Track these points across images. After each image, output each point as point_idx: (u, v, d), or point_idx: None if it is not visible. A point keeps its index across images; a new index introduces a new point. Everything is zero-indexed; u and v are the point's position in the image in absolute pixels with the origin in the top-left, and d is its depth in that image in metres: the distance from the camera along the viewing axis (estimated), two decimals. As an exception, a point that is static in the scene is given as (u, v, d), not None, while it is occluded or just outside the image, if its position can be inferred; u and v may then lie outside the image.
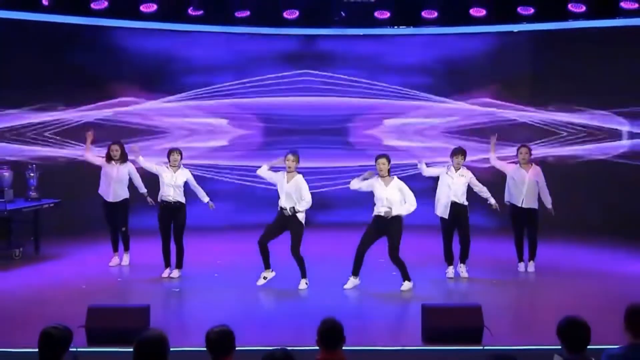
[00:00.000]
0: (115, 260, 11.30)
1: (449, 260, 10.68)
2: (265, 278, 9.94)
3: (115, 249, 11.35)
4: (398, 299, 9.47)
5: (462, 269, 10.62)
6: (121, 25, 13.89)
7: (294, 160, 9.94)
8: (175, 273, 10.52)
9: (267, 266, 9.96)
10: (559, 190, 11.73)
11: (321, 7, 13.96)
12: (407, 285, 9.83)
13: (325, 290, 9.84)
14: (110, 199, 11.16)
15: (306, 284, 9.92)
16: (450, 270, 10.61)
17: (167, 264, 10.61)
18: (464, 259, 10.65)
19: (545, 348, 5.59)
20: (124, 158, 11.16)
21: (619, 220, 13.34)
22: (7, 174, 11.97)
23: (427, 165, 10.96)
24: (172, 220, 10.49)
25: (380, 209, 9.73)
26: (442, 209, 10.53)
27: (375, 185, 9.81)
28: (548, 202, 10.92)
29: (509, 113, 14.58)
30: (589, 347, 4.61)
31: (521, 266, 10.98)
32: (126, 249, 11.37)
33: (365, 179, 9.99)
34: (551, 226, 11.80)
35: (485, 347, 7.27)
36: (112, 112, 14.23)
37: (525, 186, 10.81)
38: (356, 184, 10.03)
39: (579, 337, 4.61)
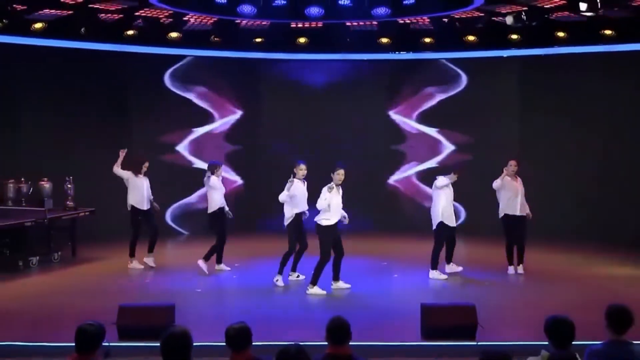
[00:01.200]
0: (137, 263, 11.31)
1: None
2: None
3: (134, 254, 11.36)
4: (399, 299, 9.44)
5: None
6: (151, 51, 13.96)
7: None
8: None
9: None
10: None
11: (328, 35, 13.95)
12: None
13: (333, 291, 9.87)
14: (145, 207, 11.22)
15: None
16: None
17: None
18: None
19: (533, 344, 5.53)
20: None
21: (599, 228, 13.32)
22: (47, 185, 12.04)
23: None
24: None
25: (338, 216, 9.70)
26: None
27: (333, 194, 9.60)
28: (527, 208, 10.94)
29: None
30: (573, 343, 4.58)
31: (511, 269, 10.93)
32: (151, 250, 11.38)
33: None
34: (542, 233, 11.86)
35: (479, 343, 7.24)
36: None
37: (520, 195, 10.82)
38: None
39: (564, 334, 4.58)
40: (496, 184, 10.85)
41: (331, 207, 9.56)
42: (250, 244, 12.78)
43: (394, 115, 15.11)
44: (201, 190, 11.14)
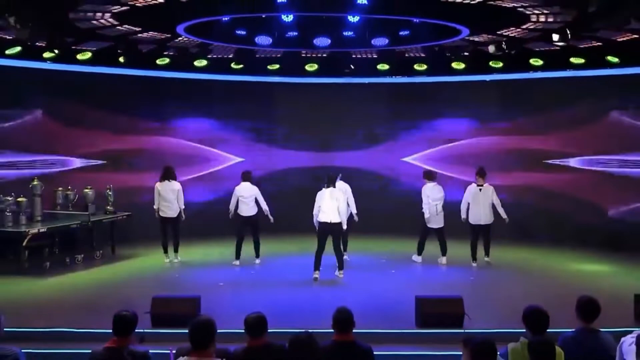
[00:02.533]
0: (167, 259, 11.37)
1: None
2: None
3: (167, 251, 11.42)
4: (396, 292, 9.41)
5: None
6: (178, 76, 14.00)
7: None
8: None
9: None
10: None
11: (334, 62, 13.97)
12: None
13: (337, 285, 9.83)
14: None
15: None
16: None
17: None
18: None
19: (513, 331, 5.51)
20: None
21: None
22: (90, 192, 12.09)
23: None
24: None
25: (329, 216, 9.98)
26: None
27: (325, 196, 10.02)
28: (503, 213, 11.22)
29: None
30: (548, 330, 4.56)
31: (475, 264, 11.18)
32: (176, 250, 11.41)
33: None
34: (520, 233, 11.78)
35: (466, 330, 7.22)
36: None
37: (483, 206, 11.10)
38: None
39: (540, 322, 4.57)
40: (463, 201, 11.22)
41: (321, 209, 9.98)
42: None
43: (390, 131, 15.07)
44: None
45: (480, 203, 11.05)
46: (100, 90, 13.08)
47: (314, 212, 10.10)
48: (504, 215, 11.09)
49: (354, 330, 4.74)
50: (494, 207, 11.10)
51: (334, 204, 9.96)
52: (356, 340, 4.72)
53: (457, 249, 11.43)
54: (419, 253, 11.44)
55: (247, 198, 11.02)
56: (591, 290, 5.48)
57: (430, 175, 11.44)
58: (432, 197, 11.13)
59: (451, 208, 11.41)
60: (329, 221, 9.93)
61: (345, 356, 4.64)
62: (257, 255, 11.30)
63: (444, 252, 11.31)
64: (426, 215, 11.16)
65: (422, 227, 11.33)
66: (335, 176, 10.50)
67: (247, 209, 11.04)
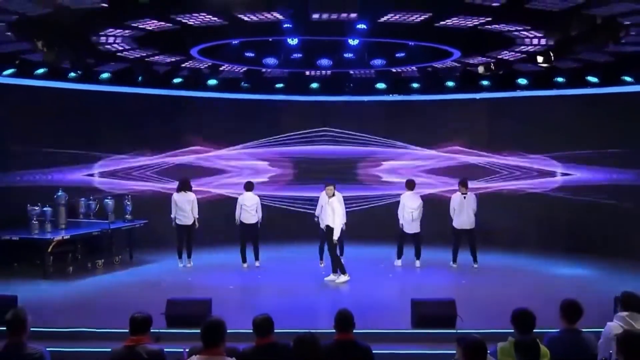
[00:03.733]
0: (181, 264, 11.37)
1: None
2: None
3: (181, 256, 11.41)
4: (394, 295, 9.39)
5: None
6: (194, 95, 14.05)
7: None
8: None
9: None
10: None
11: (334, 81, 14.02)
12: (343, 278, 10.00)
13: (338, 288, 9.81)
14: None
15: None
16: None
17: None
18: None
19: (502, 331, 5.49)
20: None
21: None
22: (110, 202, 12.10)
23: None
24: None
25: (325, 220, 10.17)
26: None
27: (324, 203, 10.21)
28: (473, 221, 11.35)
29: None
30: (534, 330, 4.55)
31: (455, 265, 11.25)
32: (190, 255, 11.40)
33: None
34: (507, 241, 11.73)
35: (458, 331, 7.20)
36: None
37: (465, 211, 11.18)
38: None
39: (527, 323, 4.57)
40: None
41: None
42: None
43: (386, 142, 15.06)
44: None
45: (464, 210, 11.09)
46: (120, 107, 13.11)
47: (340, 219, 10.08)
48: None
49: (354, 330, 4.74)
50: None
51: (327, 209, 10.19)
52: (356, 340, 4.72)
53: (449, 254, 11.40)
54: (399, 257, 11.47)
55: (250, 207, 11.06)
56: (574, 293, 5.47)
57: (409, 185, 11.50)
58: (407, 205, 11.22)
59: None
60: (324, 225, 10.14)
61: (346, 354, 4.63)
62: (257, 259, 11.31)
63: (417, 256, 11.35)
64: (400, 222, 11.20)
65: (399, 233, 11.35)
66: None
67: (249, 217, 11.07)
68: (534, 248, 12.99)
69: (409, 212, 11.18)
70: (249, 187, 11.29)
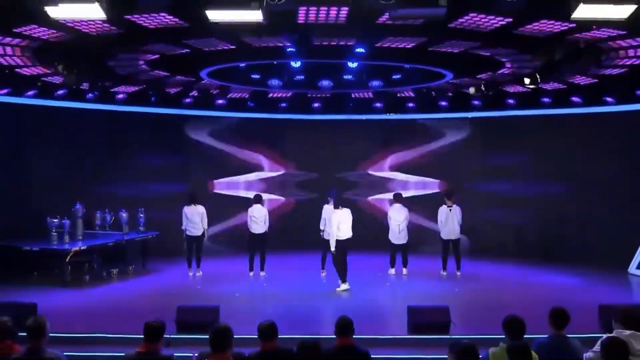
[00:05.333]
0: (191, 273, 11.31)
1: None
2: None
3: (191, 266, 11.37)
4: (391, 302, 9.35)
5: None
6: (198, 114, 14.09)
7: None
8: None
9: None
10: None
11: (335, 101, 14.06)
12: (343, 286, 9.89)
13: (339, 296, 9.77)
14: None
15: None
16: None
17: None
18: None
19: (493, 337, 5.45)
20: None
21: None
22: (125, 215, 12.08)
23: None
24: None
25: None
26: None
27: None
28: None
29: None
30: (524, 336, 4.53)
31: (444, 273, 11.19)
32: (199, 265, 11.37)
33: None
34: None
35: (452, 336, 7.15)
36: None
37: (450, 222, 11.09)
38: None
39: (518, 329, 4.55)
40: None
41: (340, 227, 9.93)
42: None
43: (384, 159, 15.07)
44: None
45: (450, 221, 11.08)
46: (135, 125, 13.15)
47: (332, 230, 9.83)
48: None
49: (353, 336, 4.72)
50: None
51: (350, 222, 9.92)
52: (355, 344, 4.70)
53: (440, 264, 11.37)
54: (392, 266, 11.45)
55: (258, 218, 11.05)
56: (562, 301, 5.44)
57: (396, 198, 11.48)
58: (394, 217, 11.21)
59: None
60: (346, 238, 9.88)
61: (346, 358, 4.61)
62: (262, 269, 11.24)
63: (404, 264, 11.35)
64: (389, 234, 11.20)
65: (390, 244, 11.35)
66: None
67: (258, 227, 11.06)
68: (525, 256, 12.89)
69: (396, 224, 11.18)
70: (257, 199, 11.28)
